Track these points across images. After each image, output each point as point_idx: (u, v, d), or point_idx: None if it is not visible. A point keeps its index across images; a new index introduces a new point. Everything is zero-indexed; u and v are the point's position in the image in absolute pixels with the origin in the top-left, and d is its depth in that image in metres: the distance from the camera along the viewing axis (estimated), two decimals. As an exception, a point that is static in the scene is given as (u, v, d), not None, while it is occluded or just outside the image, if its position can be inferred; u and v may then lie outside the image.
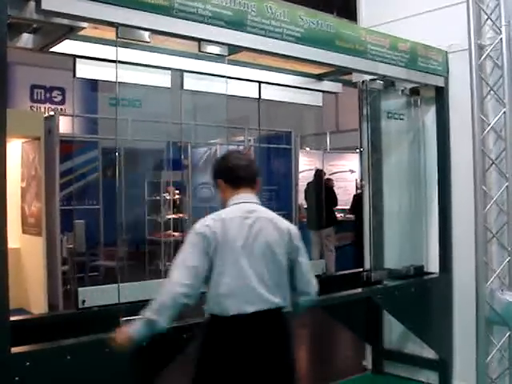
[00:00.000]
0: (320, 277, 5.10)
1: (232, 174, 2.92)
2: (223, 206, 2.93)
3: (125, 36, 3.19)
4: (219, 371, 2.73)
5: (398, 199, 5.28)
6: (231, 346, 2.72)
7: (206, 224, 2.76)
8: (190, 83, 4.48)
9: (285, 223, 2.98)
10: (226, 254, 2.73)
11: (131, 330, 2.76)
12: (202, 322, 2.91)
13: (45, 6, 2.82)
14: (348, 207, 11.77)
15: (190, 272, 2.68)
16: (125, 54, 3.62)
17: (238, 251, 2.74)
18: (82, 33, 3.45)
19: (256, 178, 2.98)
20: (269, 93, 4.95)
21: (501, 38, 4.63)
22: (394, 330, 5.45)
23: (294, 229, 3.01)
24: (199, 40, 3.47)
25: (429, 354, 5.15)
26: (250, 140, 10.89)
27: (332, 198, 10.34)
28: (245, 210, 2.84)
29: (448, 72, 5.09)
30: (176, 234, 9.60)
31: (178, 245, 9.30)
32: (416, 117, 5.34)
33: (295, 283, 2.94)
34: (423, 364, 5.27)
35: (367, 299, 4.94)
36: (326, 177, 11.13)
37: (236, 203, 2.87)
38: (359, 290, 4.88)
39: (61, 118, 7.59)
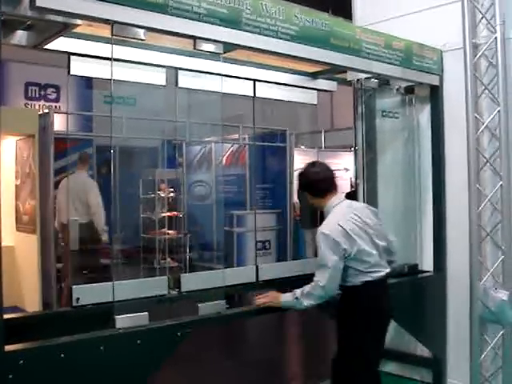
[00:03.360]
0: (314, 275, 5.11)
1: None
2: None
3: (120, 33, 3.19)
4: None
5: (393, 198, 5.29)
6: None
7: None
8: (185, 81, 4.47)
9: None
10: None
11: (283, 298, 3.71)
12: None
13: (39, 2, 2.81)
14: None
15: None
16: (120, 51, 3.62)
17: None
18: (76, 30, 3.43)
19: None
20: (264, 91, 4.94)
21: (495, 37, 4.64)
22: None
23: None
24: (194, 38, 3.47)
25: (423, 352, 5.17)
26: (244, 138, 10.88)
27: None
28: None
29: (443, 71, 5.10)
30: (170, 232, 9.57)
31: (172, 243, 9.33)
32: (410, 115, 5.35)
33: None
34: (417, 362, 5.29)
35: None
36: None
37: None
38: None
39: (55, 115, 7.56)
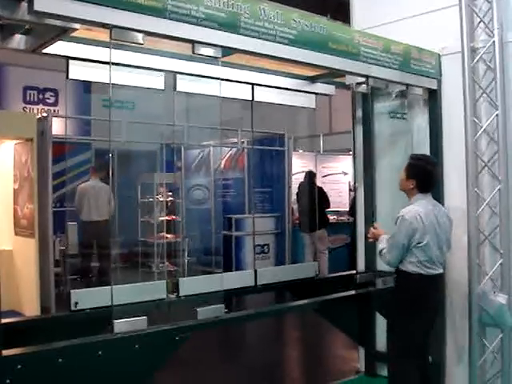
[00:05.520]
0: (313, 279, 5.11)
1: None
2: None
3: (118, 38, 3.18)
4: None
5: (391, 201, 5.28)
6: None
7: None
8: (184, 85, 4.48)
9: None
10: None
11: (380, 241, 4.35)
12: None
13: (37, 7, 2.81)
14: (341, 209, 11.82)
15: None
16: (118, 55, 3.62)
17: None
18: (75, 34, 3.43)
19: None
20: (262, 95, 4.95)
21: (493, 41, 4.64)
22: (386, 332, 5.45)
23: None
24: (192, 42, 3.47)
25: (421, 356, 5.15)
26: (243, 142, 10.89)
27: (324, 200, 10.31)
28: None
29: (441, 74, 5.10)
30: (169, 235, 9.57)
31: (170, 247, 9.33)
32: (408, 119, 5.35)
33: None
34: (416, 366, 5.27)
35: (360, 301, 4.94)
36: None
37: None
38: (352, 291, 4.89)
39: (54, 119, 7.56)
